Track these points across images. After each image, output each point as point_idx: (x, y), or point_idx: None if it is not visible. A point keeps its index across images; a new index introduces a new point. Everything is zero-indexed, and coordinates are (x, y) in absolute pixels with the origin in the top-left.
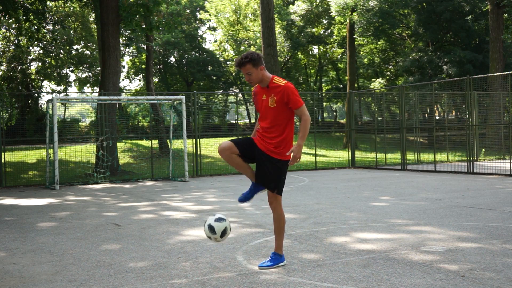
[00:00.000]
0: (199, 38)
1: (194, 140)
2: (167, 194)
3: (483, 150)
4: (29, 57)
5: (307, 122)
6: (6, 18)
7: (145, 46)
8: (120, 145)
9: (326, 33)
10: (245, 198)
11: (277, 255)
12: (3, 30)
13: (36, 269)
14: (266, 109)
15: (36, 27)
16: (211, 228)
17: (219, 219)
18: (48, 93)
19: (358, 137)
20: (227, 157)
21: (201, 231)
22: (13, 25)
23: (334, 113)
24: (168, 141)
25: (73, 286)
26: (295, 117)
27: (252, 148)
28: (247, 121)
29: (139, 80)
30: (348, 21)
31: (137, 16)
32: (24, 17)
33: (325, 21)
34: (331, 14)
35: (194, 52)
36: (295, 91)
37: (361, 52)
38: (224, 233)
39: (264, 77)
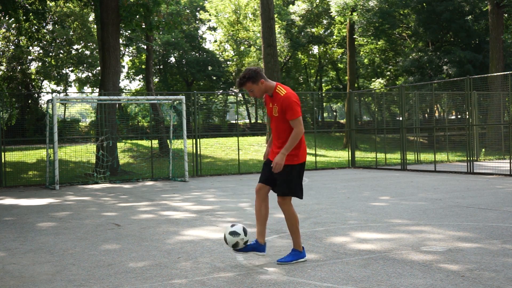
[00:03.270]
0: (199, 38)
1: (194, 140)
2: (167, 194)
3: (483, 150)
4: (29, 57)
5: (297, 135)
6: (6, 18)
7: (145, 46)
8: (120, 145)
9: (326, 33)
10: (240, 250)
11: (296, 251)
12: (3, 30)
13: (36, 269)
14: (273, 118)
15: (36, 27)
16: (234, 233)
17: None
18: (48, 93)
19: (358, 137)
20: (258, 204)
21: (200, 231)
22: (13, 25)
23: (334, 113)
24: (168, 141)
25: (73, 286)
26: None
27: (270, 169)
28: (247, 121)
29: (139, 80)
30: (348, 21)
31: (137, 16)
32: (24, 17)
33: (325, 21)
34: (331, 14)
35: (194, 52)
36: (293, 102)
37: (361, 52)
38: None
39: (267, 88)
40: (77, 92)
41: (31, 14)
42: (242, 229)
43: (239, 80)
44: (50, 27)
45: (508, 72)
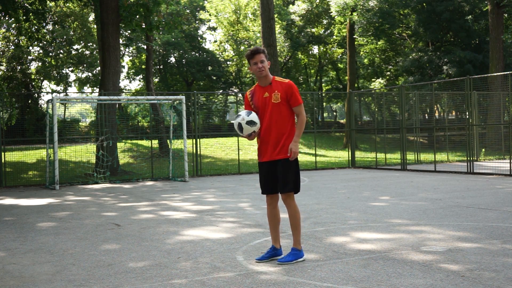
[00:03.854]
0: (199, 38)
1: (194, 140)
2: (167, 194)
3: (483, 150)
4: (29, 57)
5: (304, 122)
6: (6, 18)
7: (145, 46)
8: (120, 145)
9: (326, 33)
10: (262, 258)
11: (296, 250)
12: (3, 30)
13: (36, 269)
14: (269, 106)
15: (36, 27)
16: (251, 123)
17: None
18: (48, 93)
19: (358, 137)
20: (270, 211)
21: (200, 231)
22: (13, 25)
23: (334, 113)
24: (168, 141)
25: (73, 286)
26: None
27: (271, 176)
28: None
29: (139, 80)
30: (348, 21)
31: (137, 16)
32: (24, 17)
33: (325, 21)
34: (331, 14)
35: (194, 52)
36: (297, 90)
37: (361, 52)
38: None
39: (268, 73)
40: (77, 92)
41: (31, 14)
42: (247, 120)
43: (256, 47)
44: (50, 27)
45: (508, 72)
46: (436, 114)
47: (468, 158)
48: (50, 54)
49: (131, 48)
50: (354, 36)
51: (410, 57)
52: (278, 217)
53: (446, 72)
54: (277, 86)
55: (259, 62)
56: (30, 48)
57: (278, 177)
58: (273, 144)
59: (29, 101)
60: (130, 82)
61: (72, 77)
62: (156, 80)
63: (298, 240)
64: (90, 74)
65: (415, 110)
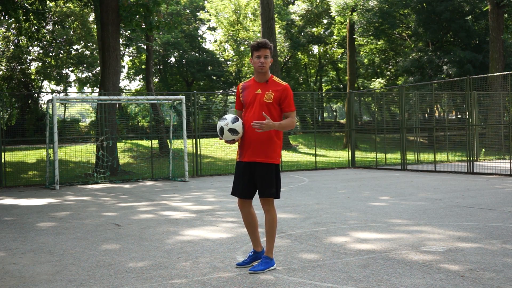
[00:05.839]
0: (199, 38)
1: (194, 140)
2: (167, 194)
3: (483, 150)
4: (29, 57)
5: (292, 123)
6: (6, 18)
7: (145, 46)
8: (120, 145)
9: (326, 33)
10: (243, 263)
11: (268, 258)
12: (3, 30)
13: (36, 269)
14: (260, 104)
15: (36, 27)
16: (233, 131)
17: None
18: (48, 93)
19: (358, 137)
20: (245, 216)
21: (200, 231)
22: (13, 25)
23: (334, 113)
24: (168, 141)
25: (73, 286)
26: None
27: (248, 179)
28: None
29: (139, 80)
30: (348, 21)
31: (137, 16)
32: (24, 17)
33: (325, 21)
34: (331, 14)
35: (194, 52)
36: (292, 95)
37: (361, 52)
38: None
39: (268, 71)
40: (77, 92)
41: (31, 14)
42: (230, 128)
43: (265, 41)
44: (50, 27)
45: (508, 72)
46: (436, 114)
47: (468, 158)
48: (50, 54)
49: (131, 48)
50: (354, 36)
51: (410, 57)
52: (255, 220)
53: (446, 72)
54: (273, 86)
55: (263, 57)
56: (30, 48)
57: (257, 181)
58: (255, 145)
59: (29, 101)
60: (130, 82)
61: (72, 77)
62: (156, 80)
63: (271, 248)
64: (90, 74)
65: (415, 110)
